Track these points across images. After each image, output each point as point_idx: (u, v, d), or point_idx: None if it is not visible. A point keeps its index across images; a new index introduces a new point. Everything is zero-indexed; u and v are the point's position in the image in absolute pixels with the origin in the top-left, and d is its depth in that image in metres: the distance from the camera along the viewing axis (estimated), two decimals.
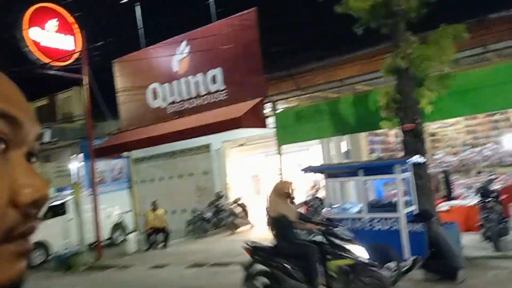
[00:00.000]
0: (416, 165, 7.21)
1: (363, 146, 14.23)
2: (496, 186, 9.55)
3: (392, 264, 6.56)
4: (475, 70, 8.52)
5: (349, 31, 9.54)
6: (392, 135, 17.16)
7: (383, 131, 15.53)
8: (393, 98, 7.86)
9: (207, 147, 17.99)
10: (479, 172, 16.42)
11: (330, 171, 7.04)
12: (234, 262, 10.33)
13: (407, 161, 6.45)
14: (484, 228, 7.91)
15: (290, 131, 11.29)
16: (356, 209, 7.13)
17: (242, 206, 16.26)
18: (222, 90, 12.35)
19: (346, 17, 9.20)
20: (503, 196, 8.96)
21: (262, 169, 17.42)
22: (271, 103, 11.60)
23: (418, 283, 6.59)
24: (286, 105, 11.78)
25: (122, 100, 14.64)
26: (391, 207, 6.73)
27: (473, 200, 9.92)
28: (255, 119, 11.12)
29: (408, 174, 6.91)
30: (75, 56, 13.37)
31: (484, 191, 8.70)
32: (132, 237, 14.04)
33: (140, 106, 14.18)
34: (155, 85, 13.81)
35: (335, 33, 11.14)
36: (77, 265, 12.17)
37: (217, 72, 12.33)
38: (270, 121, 11.77)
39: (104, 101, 13.94)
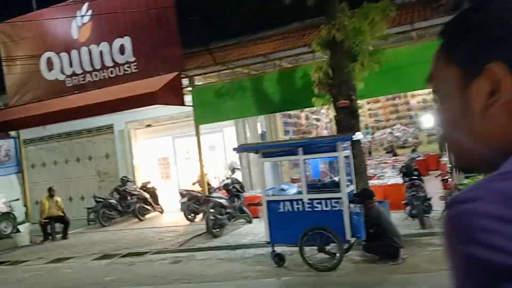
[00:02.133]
0: (351, 144, 6.94)
1: (279, 127, 13.96)
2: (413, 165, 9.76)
3: (333, 247, 6.24)
4: (402, 48, 8.51)
5: (273, 4, 9.01)
6: (303, 117, 17.26)
7: (295, 113, 15.48)
8: (326, 73, 7.50)
9: (109, 128, 16.52)
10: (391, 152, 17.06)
11: (267, 149, 6.46)
12: (151, 251, 9.40)
13: (352, 137, 6.11)
14: (410, 206, 7.98)
15: (209, 109, 10.51)
16: (293, 191, 6.67)
17: (151, 191, 15.17)
18: (132, 62, 11.09)
19: None
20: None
21: (171, 152, 16.44)
22: (188, 78, 10.66)
23: (359, 265, 6.35)
24: (204, 82, 10.92)
25: (9, 71, 12.57)
26: (332, 187, 6.37)
27: (393, 179, 10.11)
28: (172, 95, 10.12)
29: (348, 153, 6.59)
30: None
31: (406, 170, 8.83)
32: (23, 228, 12.27)
33: (33, 78, 12.28)
34: (49, 54, 12.01)
35: (258, 6, 10.54)
36: None
37: (126, 41, 11.02)
38: (187, 99, 10.86)
39: None
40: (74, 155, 17.03)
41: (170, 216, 14.32)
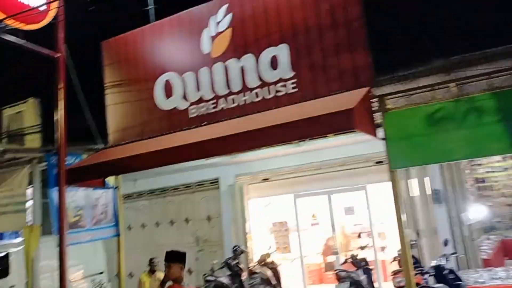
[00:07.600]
0: None
1: (467, 183, 9.97)
2: None
3: None
4: None
5: None
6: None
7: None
8: None
9: (213, 182, 13.31)
10: None
11: None
12: None
13: None
14: None
15: (411, 145, 6.76)
16: None
17: (272, 267, 11.32)
18: (288, 80, 7.74)
19: None
20: None
21: (291, 215, 12.80)
22: (377, 99, 7.09)
23: None
24: (398, 105, 7.29)
25: (113, 100, 9.63)
26: None
27: None
28: (365, 120, 6.55)
29: None
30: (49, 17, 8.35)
31: None
32: None
33: (142, 108, 9.24)
34: (168, 75, 8.95)
35: None
36: None
37: (280, 51, 7.77)
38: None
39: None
40: (167, 216, 13.91)
41: None
